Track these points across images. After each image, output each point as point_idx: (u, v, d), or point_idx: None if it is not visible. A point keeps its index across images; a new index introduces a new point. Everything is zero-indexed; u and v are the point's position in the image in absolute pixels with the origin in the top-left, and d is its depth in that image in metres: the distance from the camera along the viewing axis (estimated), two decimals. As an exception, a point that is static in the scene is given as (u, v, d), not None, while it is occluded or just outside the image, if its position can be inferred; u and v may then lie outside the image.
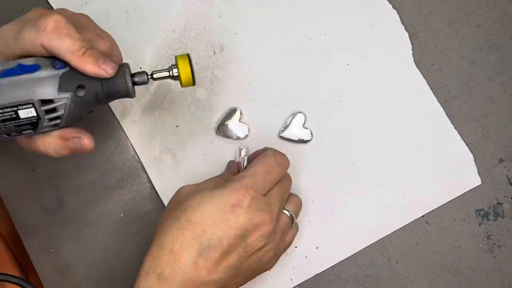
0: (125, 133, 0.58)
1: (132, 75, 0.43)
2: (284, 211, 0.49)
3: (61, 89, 0.40)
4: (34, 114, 0.39)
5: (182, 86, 0.45)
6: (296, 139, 0.56)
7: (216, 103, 0.58)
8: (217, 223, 0.43)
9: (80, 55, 0.40)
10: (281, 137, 0.56)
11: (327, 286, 0.56)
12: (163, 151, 0.57)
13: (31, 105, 0.39)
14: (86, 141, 0.43)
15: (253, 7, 0.58)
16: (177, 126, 0.57)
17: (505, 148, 0.57)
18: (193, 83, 0.44)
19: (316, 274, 0.56)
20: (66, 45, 0.39)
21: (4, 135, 0.41)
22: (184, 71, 0.43)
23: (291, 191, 0.51)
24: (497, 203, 0.56)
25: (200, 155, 0.57)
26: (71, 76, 0.41)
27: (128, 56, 0.58)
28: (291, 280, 0.56)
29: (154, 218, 0.57)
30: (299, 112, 0.56)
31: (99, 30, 0.47)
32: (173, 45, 0.58)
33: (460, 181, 0.56)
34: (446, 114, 0.57)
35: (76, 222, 0.57)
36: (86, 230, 0.57)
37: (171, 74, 0.44)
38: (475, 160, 0.57)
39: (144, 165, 0.57)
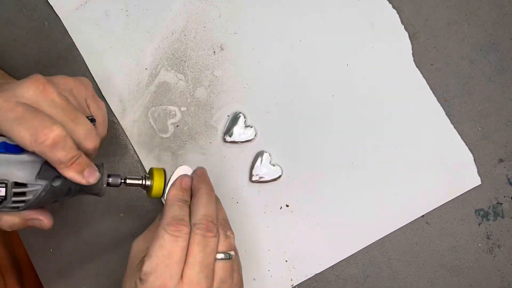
0: (125, 133, 0.58)
1: (108, 176, 0.44)
2: (217, 258, 0.43)
3: (39, 176, 0.40)
4: (3, 194, 0.39)
5: (148, 197, 0.46)
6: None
7: (216, 102, 0.58)
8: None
9: (68, 166, 0.40)
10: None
11: (327, 286, 0.56)
12: (163, 151, 0.57)
13: (3, 185, 0.39)
14: (46, 222, 0.44)
15: (253, 7, 0.58)
16: (177, 126, 0.57)
17: (505, 148, 0.57)
18: (162, 196, 0.46)
19: (316, 274, 0.56)
20: (57, 157, 0.39)
21: None
22: (157, 185, 0.46)
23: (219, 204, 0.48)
24: (497, 203, 0.57)
25: (200, 155, 0.57)
26: (52, 166, 0.40)
27: (128, 55, 0.58)
28: (291, 280, 0.56)
29: (154, 218, 0.57)
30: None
31: (95, 100, 0.47)
32: (173, 44, 0.58)
33: (459, 181, 0.56)
34: (446, 114, 0.57)
35: (76, 222, 0.57)
36: (86, 230, 0.57)
37: (144, 183, 0.46)
38: (475, 160, 0.57)
39: (143, 165, 0.57)
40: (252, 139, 0.57)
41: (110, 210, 0.57)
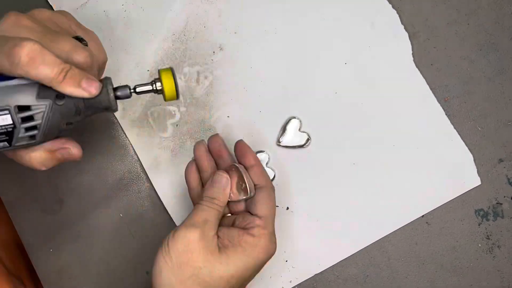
0: (124, 133, 0.58)
1: (115, 89, 0.42)
2: None
3: (39, 95, 0.38)
4: (10, 121, 0.37)
5: (165, 100, 0.44)
6: (293, 145, 0.56)
7: (215, 102, 0.57)
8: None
9: (61, 80, 0.38)
10: (279, 145, 0.56)
11: (326, 286, 0.56)
12: (163, 151, 0.57)
13: (6, 111, 0.37)
14: (75, 151, 0.42)
15: (252, 6, 0.58)
16: (177, 125, 0.57)
17: (504, 148, 0.57)
18: (177, 97, 0.43)
19: (316, 274, 0.56)
20: (43, 74, 0.37)
21: None
22: (167, 85, 0.42)
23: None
24: (497, 203, 0.57)
25: (200, 155, 0.57)
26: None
27: (129, 55, 0.58)
28: (291, 280, 0.56)
29: (154, 218, 0.57)
30: (293, 118, 0.56)
31: (82, 28, 0.45)
32: (174, 44, 0.58)
33: (459, 181, 0.56)
34: (446, 114, 0.57)
35: (76, 222, 0.57)
36: (86, 230, 0.57)
37: (154, 88, 0.43)
38: (474, 160, 0.57)
39: (143, 165, 0.57)
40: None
41: (110, 210, 0.57)
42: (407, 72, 0.57)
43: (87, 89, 0.39)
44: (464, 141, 0.57)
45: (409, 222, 0.56)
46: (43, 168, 0.42)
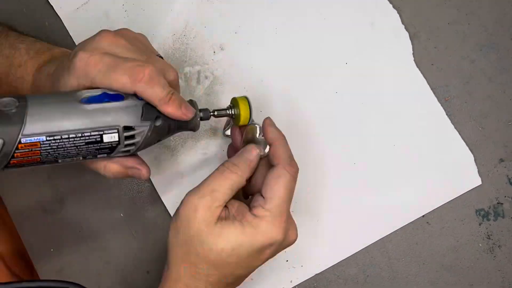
0: (125, 133, 0.58)
1: (199, 110, 0.47)
2: None
3: (143, 117, 0.42)
4: (116, 139, 0.42)
5: (236, 124, 0.49)
6: None
7: (216, 102, 0.57)
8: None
9: (166, 101, 0.42)
10: None
11: (327, 286, 0.56)
12: (163, 150, 0.57)
13: (115, 130, 0.41)
14: (144, 172, 0.46)
15: (253, 6, 0.58)
16: (177, 126, 0.57)
17: (505, 148, 0.57)
18: (248, 122, 0.49)
19: (316, 274, 0.56)
20: (156, 94, 0.42)
21: (81, 158, 0.42)
22: (244, 112, 0.48)
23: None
24: (497, 203, 0.56)
25: (200, 155, 0.57)
26: (151, 107, 0.43)
27: (128, 56, 0.58)
28: (291, 280, 0.56)
29: (154, 218, 0.57)
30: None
31: (154, 48, 0.49)
32: (174, 44, 0.58)
33: (460, 181, 0.56)
34: (446, 114, 0.57)
35: (76, 222, 0.57)
36: (87, 230, 0.57)
37: (230, 113, 0.48)
38: (475, 160, 0.57)
39: (144, 165, 0.57)
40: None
41: (110, 210, 0.57)
42: (408, 72, 0.57)
43: (186, 113, 0.44)
44: (464, 141, 0.57)
45: (409, 222, 0.56)
46: (111, 178, 0.46)
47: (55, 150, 0.40)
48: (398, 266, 0.56)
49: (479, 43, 0.58)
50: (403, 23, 0.58)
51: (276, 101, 0.57)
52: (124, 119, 0.41)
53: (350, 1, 0.58)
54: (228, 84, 0.58)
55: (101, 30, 0.45)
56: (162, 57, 0.48)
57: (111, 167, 0.45)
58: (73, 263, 0.57)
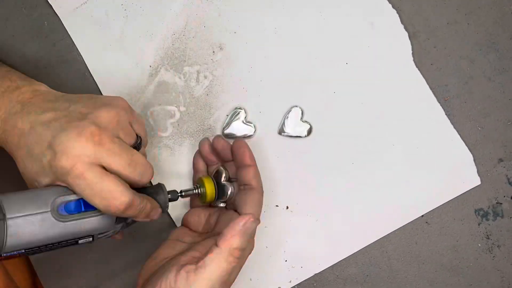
0: (124, 132, 0.58)
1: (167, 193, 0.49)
2: None
3: (116, 222, 0.46)
4: (90, 239, 0.45)
5: (203, 202, 0.52)
6: (294, 135, 0.56)
7: (215, 102, 0.57)
8: None
9: (137, 216, 0.45)
10: (281, 134, 0.56)
11: (326, 286, 0.56)
12: (162, 150, 0.57)
13: (91, 238, 0.45)
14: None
15: (252, 6, 0.58)
16: (178, 124, 0.57)
17: (504, 148, 0.57)
18: (215, 201, 0.52)
19: (315, 274, 0.56)
20: (128, 215, 0.44)
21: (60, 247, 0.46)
22: (209, 191, 0.51)
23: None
24: (497, 203, 0.57)
25: (199, 155, 0.57)
26: None
27: (128, 55, 0.58)
28: (290, 280, 0.56)
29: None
30: (295, 106, 0.57)
31: (138, 119, 0.49)
32: (174, 44, 0.58)
33: (459, 181, 0.56)
34: (446, 114, 0.57)
35: (76, 222, 0.57)
36: (86, 230, 0.57)
37: (197, 192, 0.52)
38: (474, 160, 0.57)
39: (143, 165, 0.57)
40: (251, 135, 0.56)
41: (110, 210, 0.57)
42: (407, 72, 0.57)
43: (153, 217, 0.47)
44: (464, 140, 0.57)
45: (409, 222, 0.56)
46: None
47: (35, 250, 0.43)
48: (398, 266, 0.56)
49: (478, 43, 0.58)
50: (402, 22, 0.58)
51: (275, 101, 0.57)
52: (100, 228, 0.45)
53: (350, 1, 0.58)
54: (227, 84, 0.58)
55: (82, 124, 0.43)
56: (141, 139, 0.48)
57: None
58: (73, 263, 0.57)
